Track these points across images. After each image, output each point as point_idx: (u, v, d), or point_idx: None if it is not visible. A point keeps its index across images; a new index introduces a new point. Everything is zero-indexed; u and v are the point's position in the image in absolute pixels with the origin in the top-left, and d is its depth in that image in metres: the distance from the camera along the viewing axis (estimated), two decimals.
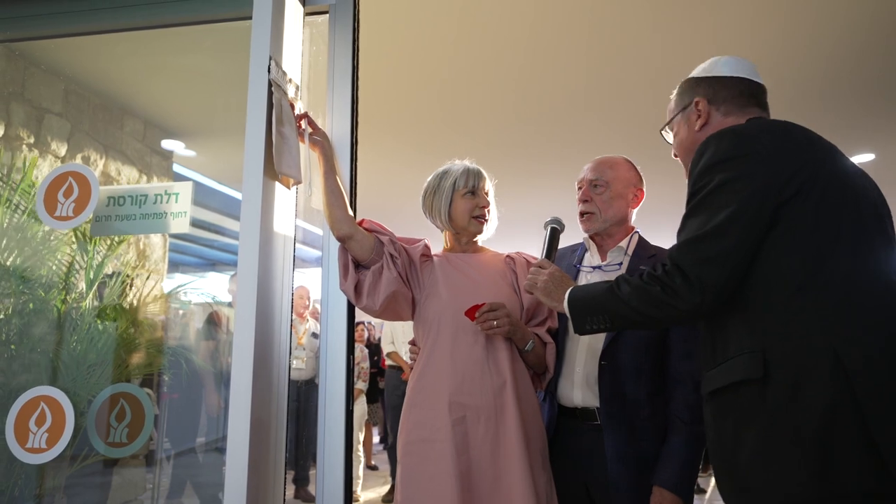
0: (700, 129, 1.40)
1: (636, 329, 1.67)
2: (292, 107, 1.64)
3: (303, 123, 1.66)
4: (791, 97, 4.06)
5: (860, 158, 5.29)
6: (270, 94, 1.51)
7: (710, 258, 1.17)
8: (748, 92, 1.40)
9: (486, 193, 1.84)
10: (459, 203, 1.80)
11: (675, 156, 1.51)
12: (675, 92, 1.49)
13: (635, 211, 1.88)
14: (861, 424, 1.04)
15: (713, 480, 5.92)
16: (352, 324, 1.64)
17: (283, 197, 1.61)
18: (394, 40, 3.37)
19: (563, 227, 1.69)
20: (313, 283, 5.14)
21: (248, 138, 1.48)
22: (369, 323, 6.98)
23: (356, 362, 5.02)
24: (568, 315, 1.40)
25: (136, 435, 1.67)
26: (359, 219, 1.73)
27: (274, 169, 1.53)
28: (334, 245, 1.67)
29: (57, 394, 1.62)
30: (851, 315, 1.11)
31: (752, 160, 1.20)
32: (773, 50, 3.49)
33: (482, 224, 1.82)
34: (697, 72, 1.46)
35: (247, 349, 1.36)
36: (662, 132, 1.53)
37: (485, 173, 1.85)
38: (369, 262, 1.70)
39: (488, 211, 1.83)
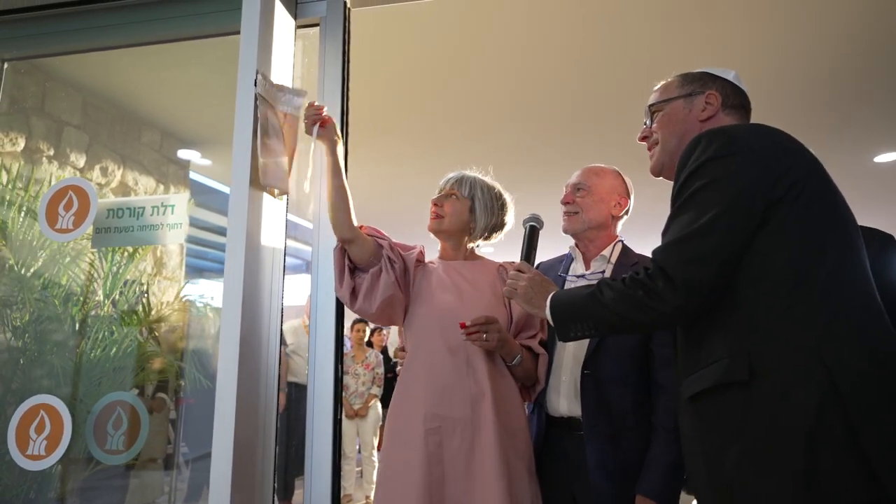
0: (705, 120, 1.38)
1: (622, 334, 1.65)
2: (287, 117, 1.65)
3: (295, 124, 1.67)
4: (793, 101, 3.97)
5: (885, 158, 5.14)
6: (257, 107, 1.53)
7: (695, 258, 1.15)
8: (748, 108, 1.42)
9: (446, 191, 1.84)
10: None
11: (644, 138, 1.47)
12: (677, 76, 1.46)
13: (621, 222, 1.88)
14: (849, 432, 1.01)
15: None
16: (340, 331, 1.65)
17: (273, 207, 1.64)
18: (398, 47, 3.38)
19: (541, 224, 1.66)
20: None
21: (236, 150, 1.51)
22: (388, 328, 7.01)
23: (370, 367, 5.05)
24: (550, 322, 1.37)
25: (132, 442, 1.72)
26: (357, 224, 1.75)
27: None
28: (324, 251, 1.69)
29: (55, 402, 1.68)
30: (837, 319, 1.08)
31: (743, 158, 1.18)
32: (775, 55, 3.41)
33: (432, 220, 1.83)
34: (712, 70, 1.44)
35: (231, 360, 1.39)
36: (650, 108, 1.48)
37: (457, 176, 1.86)
38: (367, 266, 1.70)
39: (440, 207, 1.82)
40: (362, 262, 1.70)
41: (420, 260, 1.83)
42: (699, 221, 1.16)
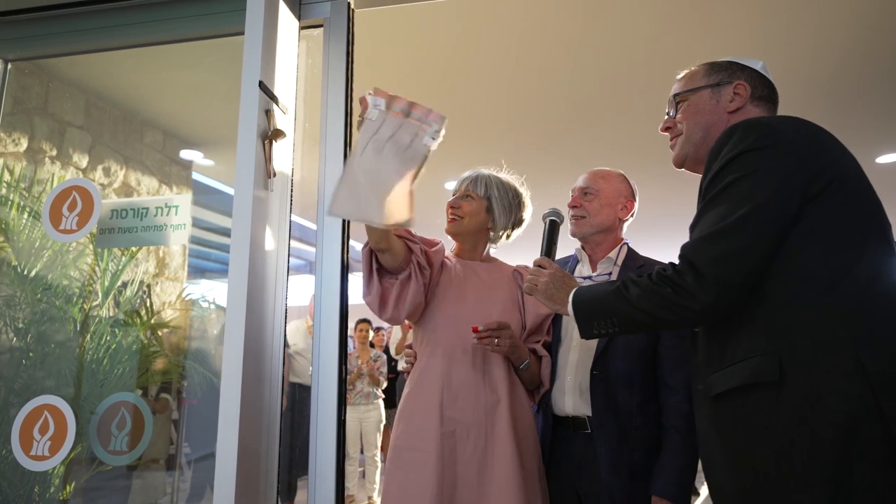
0: (734, 112, 1.33)
1: (646, 332, 1.63)
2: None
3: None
4: (794, 102, 3.96)
5: (886, 159, 5.13)
6: (264, 111, 1.53)
7: (728, 254, 1.10)
8: (775, 100, 1.38)
9: (460, 192, 1.83)
10: None
11: (667, 129, 1.42)
12: (703, 65, 1.41)
13: (626, 224, 1.89)
14: (887, 443, 0.97)
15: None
16: (344, 330, 1.65)
17: (277, 208, 1.64)
18: (400, 48, 3.38)
19: (562, 219, 1.64)
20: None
21: (240, 150, 1.51)
22: (389, 328, 7.00)
23: (375, 367, 5.06)
24: (573, 319, 1.32)
25: (136, 443, 1.72)
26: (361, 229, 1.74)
27: (266, 179, 1.55)
28: (328, 252, 1.68)
29: (59, 402, 1.68)
30: (876, 321, 1.05)
31: (782, 152, 1.14)
32: (776, 56, 3.41)
33: (450, 223, 1.82)
34: (739, 60, 1.39)
35: (236, 360, 1.39)
36: (675, 97, 1.42)
37: (472, 176, 1.85)
38: (396, 270, 1.68)
39: (457, 208, 1.81)
40: (392, 267, 1.68)
41: (442, 260, 1.83)
42: (733, 216, 1.11)
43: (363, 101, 1.47)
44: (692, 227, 1.20)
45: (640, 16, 3.04)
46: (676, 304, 1.14)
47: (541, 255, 1.55)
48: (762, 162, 1.13)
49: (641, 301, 1.18)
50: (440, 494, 1.54)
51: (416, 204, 1.76)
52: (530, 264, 1.91)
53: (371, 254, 1.66)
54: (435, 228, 1.94)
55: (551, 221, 1.62)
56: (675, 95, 1.41)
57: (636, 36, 3.23)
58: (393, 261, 1.66)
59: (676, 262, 1.19)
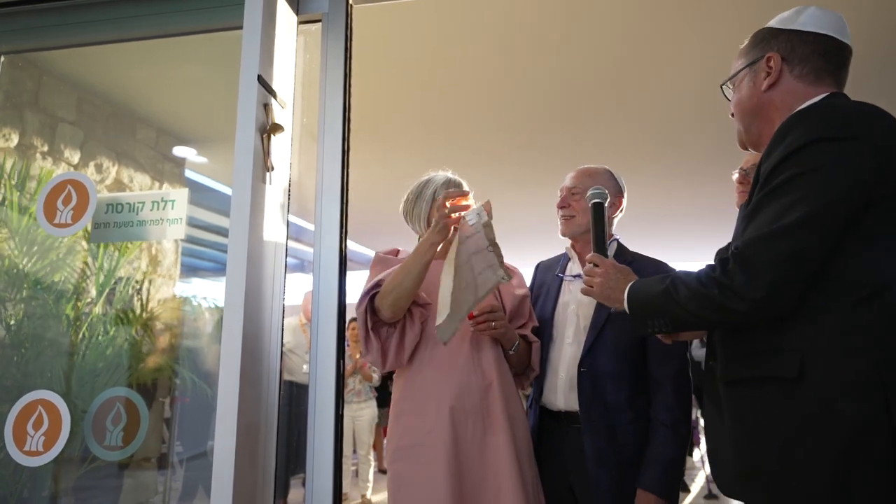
0: (767, 90, 1.23)
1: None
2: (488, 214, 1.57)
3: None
4: None
5: None
6: (263, 104, 1.52)
7: (789, 256, 1.03)
8: (830, 53, 1.21)
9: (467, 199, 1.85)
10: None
11: (732, 115, 1.33)
12: (745, 42, 1.31)
13: (616, 220, 1.90)
14: (892, 458, 0.96)
15: (699, 478, 5.80)
16: (342, 328, 1.64)
17: (274, 201, 1.63)
18: (386, 49, 3.38)
19: (605, 197, 1.52)
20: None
21: (238, 147, 1.50)
22: None
23: (366, 365, 5.05)
24: (629, 315, 1.29)
25: (131, 438, 1.71)
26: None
27: (265, 172, 1.54)
28: (326, 248, 1.67)
29: (54, 397, 1.66)
30: None
31: (860, 146, 1.04)
32: None
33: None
34: (776, 21, 1.27)
35: (234, 358, 1.38)
36: (723, 87, 1.34)
37: (465, 186, 1.87)
38: (392, 321, 1.73)
39: None
40: (390, 320, 1.73)
41: None
42: (795, 213, 1.04)
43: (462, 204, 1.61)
44: (748, 216, 1.14)
45: (625, 14, 3.05)
46: (722, 307, 1.09)
47: (593, 251, 1.45)
48: (832, 155, 1.05)
49: (690, 303, 1.14)
50: (451, 484, 1.57)
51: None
52: (511, 262, 1.95)
53: (366, 314, 1.71)
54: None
55: (595, 205, 1.49)
56: (723, 86, 1.35)
57: (620, 34, 3.23)
58: (395, 317, 1.72)
59: (728, 255, 1.13)
